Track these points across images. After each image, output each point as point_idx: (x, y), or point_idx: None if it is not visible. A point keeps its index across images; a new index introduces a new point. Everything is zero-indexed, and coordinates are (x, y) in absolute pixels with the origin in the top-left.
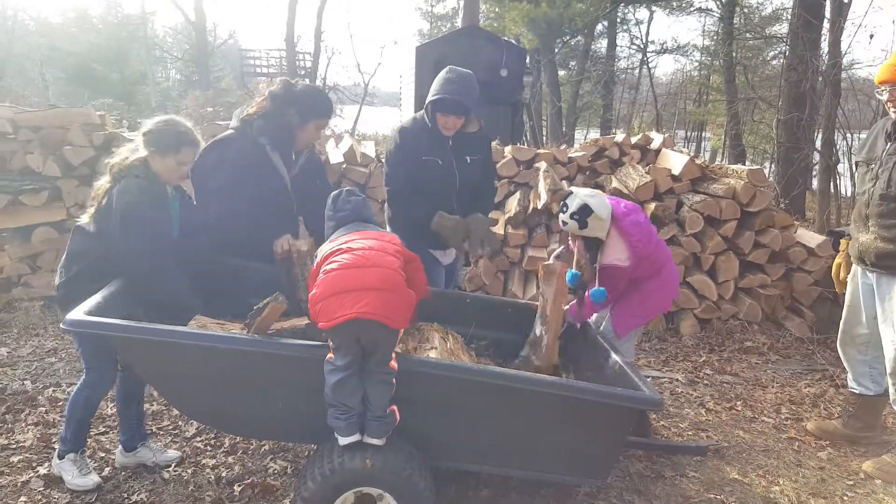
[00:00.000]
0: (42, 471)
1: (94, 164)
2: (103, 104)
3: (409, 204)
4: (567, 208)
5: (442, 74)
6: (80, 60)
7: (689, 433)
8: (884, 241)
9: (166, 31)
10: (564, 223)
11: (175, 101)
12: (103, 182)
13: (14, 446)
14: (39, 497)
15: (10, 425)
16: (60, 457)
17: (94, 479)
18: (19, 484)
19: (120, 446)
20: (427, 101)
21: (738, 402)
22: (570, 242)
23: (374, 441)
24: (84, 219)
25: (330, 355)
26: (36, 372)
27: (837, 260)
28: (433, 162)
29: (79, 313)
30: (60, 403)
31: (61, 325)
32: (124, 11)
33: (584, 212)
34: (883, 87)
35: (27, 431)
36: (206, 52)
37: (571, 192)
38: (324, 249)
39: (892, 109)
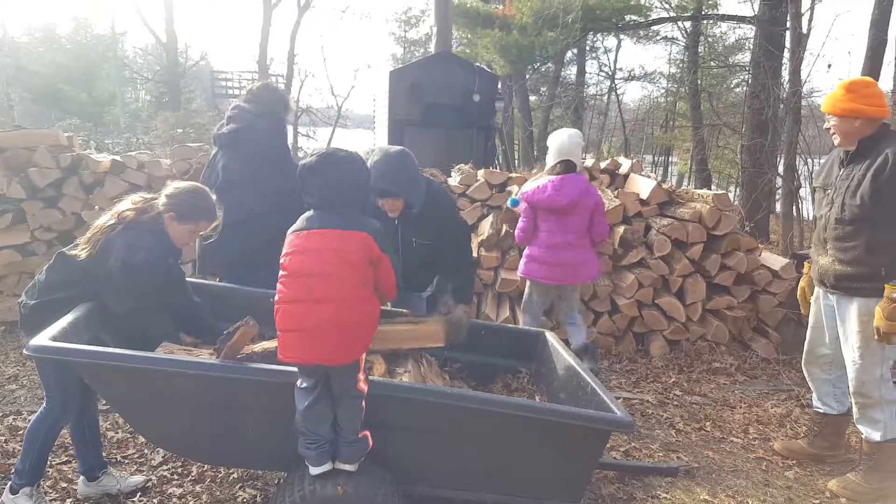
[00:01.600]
0: None
1: (59, 186)
2: (70, 125)
3: None
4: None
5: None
6: (47, 80)
7: (660, 454)
8: (841, 263)
9: (136, 51)
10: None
11: (145, 122)
12: (107, 221)
13: None
14: None
15: None
16: (14, 491)
17: None
18: None
19: (81, 476)
20: None
21: (708, 423)
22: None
23: (347, 467)
24: (81, 254)
25: (300, 380)
26: None
27: (802, 283)
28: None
29: (44, 339)
30: (20, 432)
31: (24, 352)
32: (94, 31)
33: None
34: (830, 117)
35: None
36: (177, 73)
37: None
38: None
39: (836, 138)
